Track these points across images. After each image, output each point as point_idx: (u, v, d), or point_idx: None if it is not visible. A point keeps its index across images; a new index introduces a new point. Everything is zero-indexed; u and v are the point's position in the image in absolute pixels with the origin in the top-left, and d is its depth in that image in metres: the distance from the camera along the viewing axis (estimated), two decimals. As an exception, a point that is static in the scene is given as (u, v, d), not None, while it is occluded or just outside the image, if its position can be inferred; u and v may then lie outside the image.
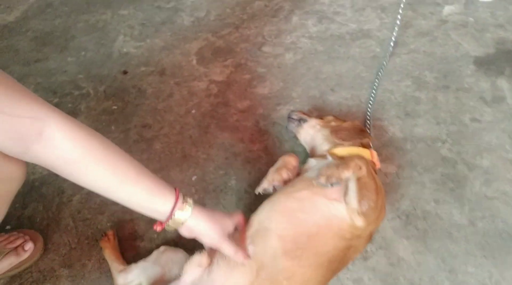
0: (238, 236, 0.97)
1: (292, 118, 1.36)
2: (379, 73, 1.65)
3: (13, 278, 1.17)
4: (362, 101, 1.57)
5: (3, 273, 1.14)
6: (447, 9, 1.97)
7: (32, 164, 0.83)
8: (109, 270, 1.15)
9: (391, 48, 1.74)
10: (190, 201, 0.88)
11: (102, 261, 1.18)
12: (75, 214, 1.31)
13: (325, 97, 1.61)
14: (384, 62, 1.69)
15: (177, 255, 1.08)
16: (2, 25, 2.12)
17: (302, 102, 1.59)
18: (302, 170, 1.14)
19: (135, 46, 1.93)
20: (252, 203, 1.29)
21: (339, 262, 0.97)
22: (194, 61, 1.83)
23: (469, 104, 1.51)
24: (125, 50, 1.92)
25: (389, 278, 1.11)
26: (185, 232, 0.91)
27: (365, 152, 1.17)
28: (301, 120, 1.33)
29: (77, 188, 1.36)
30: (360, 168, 0.94)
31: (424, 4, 2.01)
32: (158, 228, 0.89)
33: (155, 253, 1.10)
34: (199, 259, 0.92)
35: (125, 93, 1.70)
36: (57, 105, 1.39)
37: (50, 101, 0.77)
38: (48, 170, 0.75)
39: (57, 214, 1.32)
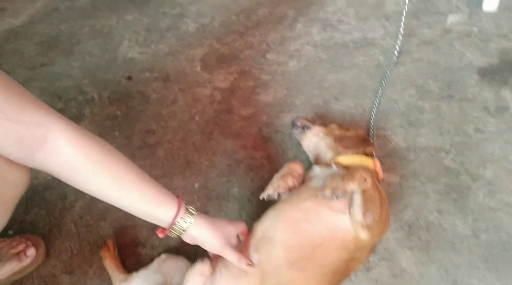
0: (241, 245, 0.97)
1: (296, 125, 1.36)
2: (383, 82, 1.65)
3: (14, 283, 1.17)
4: (365, 110, 1.57)
5: (5, 279, 1.14)
6: (451, 19, 1.97)
7: (36, 169, 0.83)
8: (110, 278, 1.14)
9: (395, 58, 1.75)
10: (192, 209, 0.89)
11: (103, 268, 1.18)
12: (77, 219, 1.31)
13: (329, 106, 1.61)
14: (388, 71, 1.70)
15: (178, 263, 1.08)
16: (8, 29, 2.14)
17: (306, 110, 1.60)
18: (307, 177, 1.14)
19: (139, 52, 1.94)
20: (255, 211, 1.29)
21: (342, 273, 0.97)
22: (199, 68, 1.84)
23: (472, 115, 1.51)
24: (129, 55, 1.93)
25: (392, 289, 1.10)
26: (188, 239, 0.92)
27: (368, 161, 1.17)
28: (304, 128, 1.33)
29: (79, 194, 1.35)
30: (365, 180, 0.94)
31: (428, 13, 2.01)
32: (160, 234, 0.90)
33: (156, 261, 1.10)
34: (202, 268, 0.92)
35: (129, 99, 1.71)
36: (62, 110, 1.40)
37: (54, 106, 0.78)
38: (51, 175, 0.75)
39: (59, 219, 1.32)
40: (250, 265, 0.90)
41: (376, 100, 1.58)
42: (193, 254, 1.15)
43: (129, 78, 1.81)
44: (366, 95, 1.63)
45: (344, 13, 2.08)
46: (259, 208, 1.28)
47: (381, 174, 1.19)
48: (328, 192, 0.91)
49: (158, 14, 2.18)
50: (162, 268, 1.07)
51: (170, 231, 0.87)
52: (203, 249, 0.98)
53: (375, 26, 1.98)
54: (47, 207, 1.35)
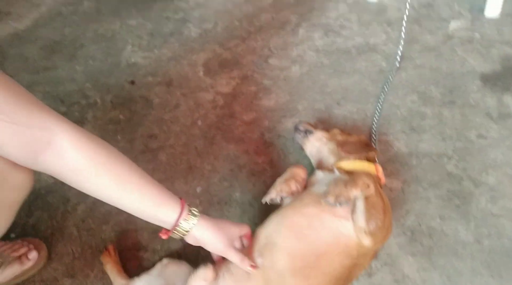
0: (245, 250, 0.97)
1: (299, 130, 1.36)
2: (385, 87, 1.66)
3: (16, 286, 1.17)
4: (367, 116, 1.58)
5: (6, 282, 1.14)
6: (453, 25, 1.98)
7: (38, 172, 0.84)
8: (111, 282, 1.14)
9: (397, 63, 1.75)
10: (195, 210, 0.89)
11: (105, 271, 1.18)
12: (80, 223, 1.32)
13: (331, 111, 1.61)
14: (390, 77, 1.70)
15: (180, 268, 1.08)
16: (12, 33, 2.15)
17: (308, 115, 1.60)
18: (309, 182, 1.14)
19: (143, 56, 1.95)
20: (257, 215, 1.29)
21: (344, 280, 0.96)
22: (201, 73, 1.85)
23: (475, 121, 1.51)
24: (133, 60, 1.94)
25: (394, 295, 1.10)
26: (191, 241, 0.92)
27: (370, 166, 1.17)
28: (307, 132, 1.33)
29: (82, 197, 1.37)
30: (368, 186, 0.94)
31: (430, 19, 2.02)
32: (163, 236, 0.90)
33: (158, 266, 1.10)
34: (205, 272, 0.91)
35: (132, 103, 1.71)
36: (64, 114, 1.39)
37: (57, 110, 0.78)
38: (54, 179, 0.76)
39: (61, 223, 1.32)
40: (253, 266, 0.90)
41: (378, 106, 1.58)
42: (195, 258, 1.15)
43: (132, 82, 1.81)
44: (368, 101, 1.63)
45: (346, 18, 2.08)
46: (261, 213, 1.28)
47: (383, 179, 1.19)
48: (331, 199, 0.91)
49: (161, 19, 2.19)
50: (164, 272, 1.07)
51: (173, 232, 0.88)
52: (205, 253, 0.98)
53: (377, 31, 1.99)
54: (50, 210, 1.35)
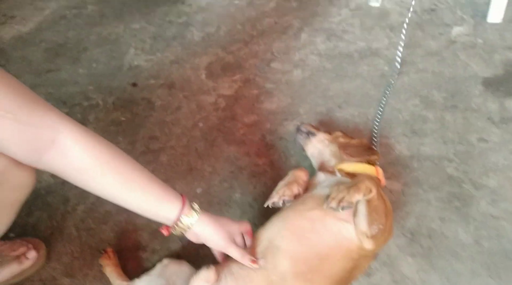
0: (247, 249, 0.96)
1: (301, 131, 1.36)
2: (387, 91, 1.65)
3: (14, 286, 1.17)
4: (369, 119, 1.57)
5: (5, 281, 1.14)
6: (456, 30, 1.98)
7: (39, 172, 0.84)
8: (110, 282, 1.14)
9: (398, 64, 1.74)
10: (196, 206, 0.90)
11: (104, 271, 1.17)
12: (79, 223, 1.32)
13: (332, 114, 1.61)
14: (391, 80, 1.70)
15: (181, 267, 1.07)
16: (17, 36, 2.17)
17: (309, 118, 1.60)
18: (311, 183, 1.14)
19: (145, 59, 1.97)
20: (257, 217, 1.29)
21: (345, 282, 0.96)
22: (203, 76, 1.85)
23: (476, 125, 1.51)
24: (135, 63, 1.95)
25: (393, 296, 1.09)
26: (192, 237, 0.92)
27: (371, 169, 1.17)
28: (309, 134, 1.33)
29: (82, 197, 1.37)
30: (371, 191, 0.93)
31: (433, 24, 2.02)
32: (164, 232, 0.90)
33: (158, 266, 1.09)
34: (207, 274, 0.90)
35: (133, 105, 1.72)
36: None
37: (59, 111, 0.79)
38: (54, 179, 0.77)
39: (61, 223, 1.32)
40: (254, 261, 0.90)
41: (379, 109, 1.58)
42: (194, 258, 1.15)
43: (134, 85, 1.82)
44: (370, 105, 1.63)
45: (349, 23, 2.09)
46: (261, 214, 1.28)
47: (383, 182, 1.19)
48: (334, 204, 0.90)
49: (164, 23, 2.21)
50: (165, 272, 1.06)
51: (175, 227, 0.88)
52: (204, 253, 0.98)
53: (380, 36, 1.99)
54: (49, 210, 1.35)
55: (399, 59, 1.75)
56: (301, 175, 1.14)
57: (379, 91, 1.69)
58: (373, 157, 1.20)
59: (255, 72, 1.85)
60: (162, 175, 1.43)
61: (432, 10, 2.11)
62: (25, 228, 1.31)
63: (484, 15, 2.00)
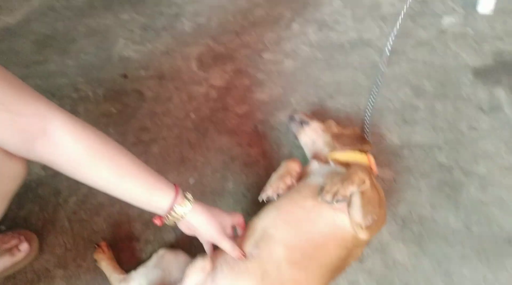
0: (238, 239, 0.97)
1: (294, 119, 1.36)
2: (377, 80, 1.66)
3: (7, 278, 1.16)
4: (360, 108, 1.58)
5: (-3, 273, 1.14)
6: (447, 20, 1.99)
7: (29, 164, 0.83)
8: (104, 272, 1.14)
9: (387, 50, 1.74)
10: (189, 196, 0.90)
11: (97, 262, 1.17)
12: (71, 215, 1.31)
13: (324, 104, 1.62)
14: (381, 66, 1.70)
15: (177, 257, 1.07)
16: (4, 27, 2.13)
17: (301, 108, 1.60)
18: (304, 172, 1.15)
19: (135, 50, 1.95)
20: (250, 206, 1.29)
21: (339, 269, 0.98)
22: (194, 66, 1.84)
23: (466, 113, 1.52)
24: (125, 54, 1.93)
25: (385, 280, 1.11)
26: (184, 227, 0.92)
27: (363, 157, 1.18)
28: (303, 123, 1.33)
29: (73, 189, 1.36)
30: (364, 182, 0.94)
31: (423, 15, 2.03)
32: (157, 222, 0.90)
33: (154, 257, 1.09)
34: (202, 263, 0.90)
35: (124, 97, 1.71)
36: (56, 106, 1.40)
37: (48, 103, 0.78)
38: (44, 171, 0.76)
39: (52, 215, 1.31)
40: (243, 255, 0.90)
41: (371, 99, 1.59)
42: (188, 248, 1.15)
43: (124, 76, 1.81)
44: (361, 94, 1.64)
45: (341, 13, 2.09)
46: (254, 203, 1.28)
47: (375, 170, 1.20)
48: (328, 198, 0.91)
49: (155, 14, 2.18)
50: (161, 263, 1.06)
51: (168, 217, 0.87)
52: (198, 243, 0.98)
53: (371, 27, 1.99)
54: (40, 203, 1.34)
55: (390, 43, 1.75)
56: (294, 166, 1.15)
57: (370, 81, 1.69)
58: (366, 147, 1.21)
59: (246, 63, 1.84)
60: (154, 166, 1.41)
61: (423, 0, 2.12)
62: (16, 220, 1.29)
63: (474, 6, 2.01)
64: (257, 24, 2.07)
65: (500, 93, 1.59)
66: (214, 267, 0.91)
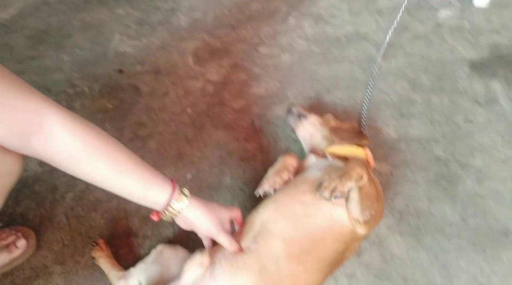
0: (235, 233, 0.97)
1: (292, 112, 1.36)
2: (373, 73, 1.66)
3: (4, 275, 1.16)
4: (357, 102, 1.58)
5: (-5, 270, 1.13)
6: (443, 14, 1.99)
7: (25, 161, 0.83)
8: (102, 268, 1.14)
9: (386, 40, 1.73)
10: (186, 191, 0.89)
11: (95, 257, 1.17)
12: (68, 211, 1.30)
13: (321, 98, 1.61)
14: (378, 57, 1.70)
15: (176, 252, 1.07)
16: (-3, 23, 2.12)
17: (298, 102, 1.60)
18: (302, 166, 1.15)
19: (131, 45, 1.93)
20: (247, 200, 1.29)
21: (336, 264, 0.98)
22: (191, 61, 1.83)
23: (463, 106, 1.52)
24: (120, 49, 1.92)
25: (382, 273, 1.12)
26: (182, 223, 0.92)
27: (360, 151, 1.18)
28: (300, 116, 1.33)
29: (70, 185, 1.36)
30: (362, 177, 0.94)
31: (420, 8, 2.02)
32: (155, 217, 0.90)
33: (153, 253, 1.09)
34: (200, 258, 0.90)
35: (120, 92, 1.70)
36: (52, 102, 1.39)
37: (44, 98, 0.77)
38: (41, 167, 0.75)
39: (50, 211, 1.31)
40: (239, 249, 0.90)
41: (368, 92, 1.58)
42: (185, 243, 1.15)
43: (120, 71, 1.80)
44: (358, 88, 1.64)
45: (337, 7, 2.08)
46: (251, 198, 1.28)
47: (372, 163, 1.20)
48: (327, 194, 0.91)
49: (150, 8, 2.17)
50: (160, 258, 1.06)
51: (165, 212, 0.87)
52: (195, 238, 0.98)
53: (368, 20, 1.99)
54: (37, 199, 1.34)
55: (389, 34, 1.75)
56: (291, 161, 1.14)
57: (367, 75, 1.69)
58: (364, 142, 1.21)
59: (242, 57, 1.84)
60: (151, 161, 1.40)
61: (419, -7, 2.11)
62: (13, 217, 1.29)
63: (471, -1, 2.01)
64: (253, 18, 2.06)
65: (496, 86, 1.59)
66: (212, 262, 0.91)
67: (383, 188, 1.25)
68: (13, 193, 1.32)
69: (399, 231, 1.19)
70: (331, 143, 1.21)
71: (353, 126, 1.27)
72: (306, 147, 1.30)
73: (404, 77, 1.67)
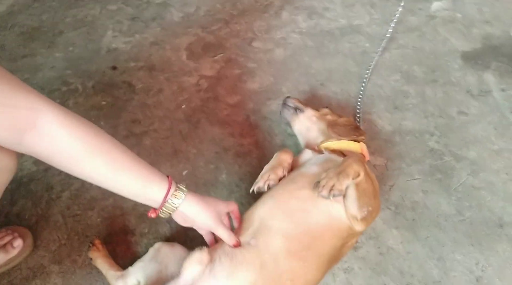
0: (234, 230, 0.97)
1: (288, 106, 1.35)
2: (369, 67, 1.66)
3: (1, 275, 1.15)
4: (351, 96, 1.58)
5: (-8, 270, 1.13)
6: (436, 5, 1.99)
7: (20, 160, 0.82)
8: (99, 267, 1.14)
9: (388, 35, 1.73)
10: (183, 187, 0.89)
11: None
12: (65, 210, 1.30)
13: (315, 92, 1.62)
14: (375, 54, 1.70)
15: (173, 250, 1.06)
16: (-13, 20, 2.09)
17: (293, 96, 1.59)
18: (298, 161, 1.15)
19: (124, 42, 1.92)
20: (244, 196, 1.29)
21: (335, 259, 0.99)
22: (184, 57, 1.83)
23: (456, 98, 1.53)
24: (114, 45, 1.90)
25: (379, 267, 1.13)
26: (180, 219, 0.92)
27: (355, 145, 1.18)
28: (297, 109, 1.32)
29: (66, 184, 1.35)
30: (359, 174, 0.95)
31: (413, 0, 2.02)
32: (152, 214, 0.90)
33: (151, 251, 1.08)
34: (200, 256, 0.90)
35: (114, 89, 1.69)
36: (45, 101, 1.38)
37: (37, 96, 0.76)
38: (36, 166, 0.75)
39: (46, 210, 1.30)
40: (238, 243, 0.91)
41: (362, 86, 1.59)
42: (183, 241, 1.15)
43: (114, 68, 1.79)
44: (352, 81, 1.64)
45: (330, 0, 2.08)
46: (248, 194, 1.28)
47: (367, 157, 1.20)
48: (325, 193, 0.91)
49: (142, 4, 2.15)
50: (157, 256, 1.05)
51: (162, 209, 0.87)
52: (193, 235, 0.98)
53: (361, 13, 1.99)
54: (33, 198, 1.33)
55: (390, 29, 1.75)
56: (286, 158, 1.14)
57: (361, 68, 1.70)
58: (361, 137, 1.21)
59: (236, 52, 1.83)
60: (146, 158, 1.40)
61: (412, -15, 2.11)
62: (9, 217, 1.28)
63: (463, -11, 2.01)
64: (246, 13, 2.05)
65: (489, 77, 1.60)
66: (212, 259, 0.91)
67: (378, 181, 1.26)
68: (8, 192, 1.32)
69: (395, 225, 1.20)
70: (328, 137, 1.20)
71: (350, 122, 1.27)
72: (302, 141, 1.30)
73: (397, 69, 1.67)
